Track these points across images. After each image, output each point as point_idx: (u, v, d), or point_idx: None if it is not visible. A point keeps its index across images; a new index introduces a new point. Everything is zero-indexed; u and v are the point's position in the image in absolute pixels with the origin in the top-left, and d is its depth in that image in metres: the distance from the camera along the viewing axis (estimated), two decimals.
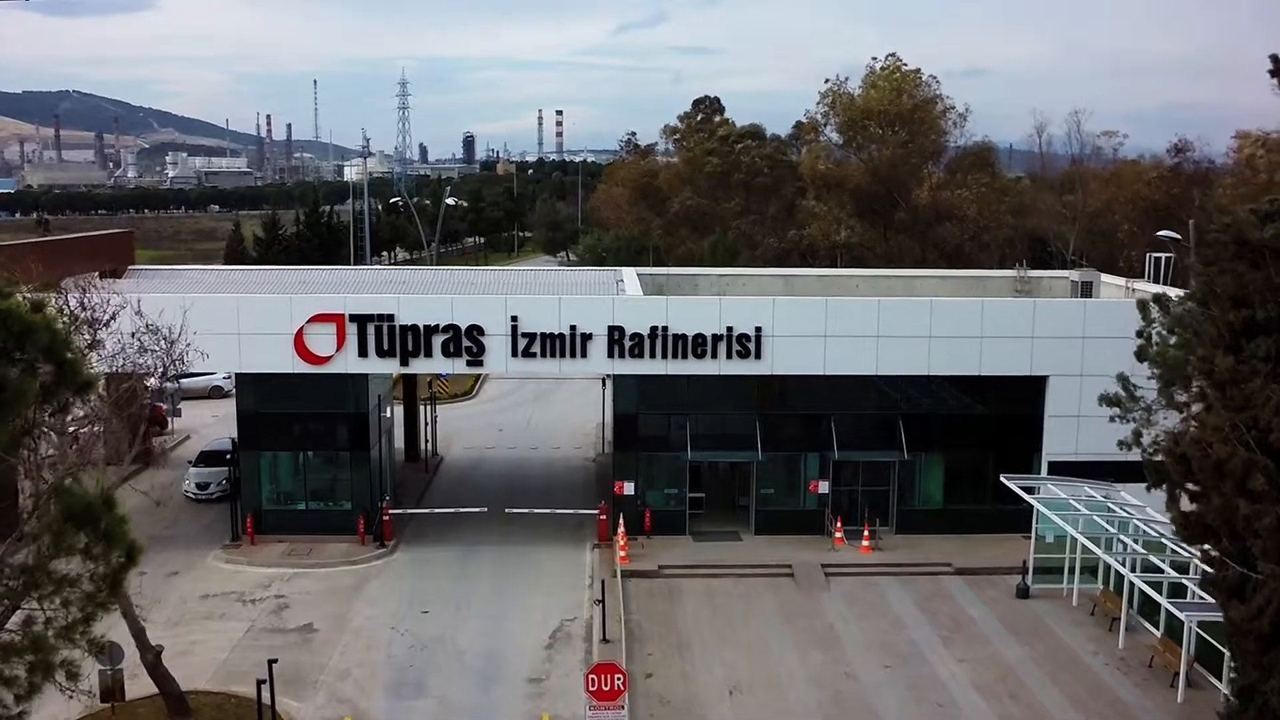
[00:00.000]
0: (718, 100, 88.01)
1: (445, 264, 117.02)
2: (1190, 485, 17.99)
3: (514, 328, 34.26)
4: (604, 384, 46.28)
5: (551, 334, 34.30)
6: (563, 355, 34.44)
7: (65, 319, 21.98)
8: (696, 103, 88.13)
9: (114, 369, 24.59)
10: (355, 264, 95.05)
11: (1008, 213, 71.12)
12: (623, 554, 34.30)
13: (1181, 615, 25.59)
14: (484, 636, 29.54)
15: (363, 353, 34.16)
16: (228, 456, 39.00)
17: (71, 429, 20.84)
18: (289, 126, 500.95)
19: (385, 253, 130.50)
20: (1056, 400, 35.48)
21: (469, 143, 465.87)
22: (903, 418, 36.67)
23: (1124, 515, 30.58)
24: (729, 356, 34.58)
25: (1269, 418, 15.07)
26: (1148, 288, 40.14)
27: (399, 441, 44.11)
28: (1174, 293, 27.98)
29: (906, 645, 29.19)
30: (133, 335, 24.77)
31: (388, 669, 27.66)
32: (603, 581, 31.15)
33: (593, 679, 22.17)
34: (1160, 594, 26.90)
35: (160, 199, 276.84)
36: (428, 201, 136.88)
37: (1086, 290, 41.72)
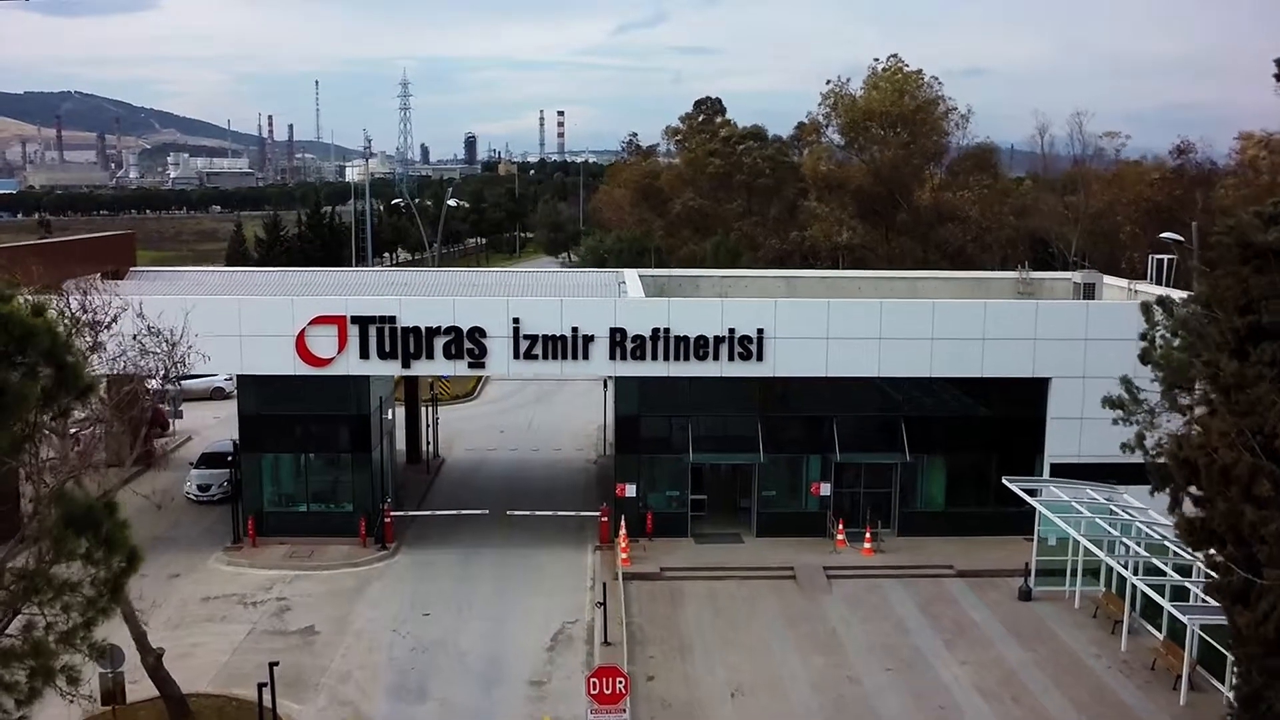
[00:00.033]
0: (719, 101, 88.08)
1: (447, 265, 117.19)
2: (1194, 490, 17.93)
3: (516, 330, 34.22)
4: (605, 386, 46.23)
5: (553, 336, 34.26)
6: (565, 357, 34.40)
7: (66, 322, 21.98)
8: (698, 104, 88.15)
9: (115, 371, 24.55)
10: (357, 265, 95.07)
11: (1009, 214, 71.08)
12: (624, 556, 34.26)
13: (1184, 618, 25.52)
14: (485, 639, 29.50)
15: (364, 355, 34.13)
16: (229, 458, 39.00)
17: (74, 430, 20.80)
18: (290, 127, 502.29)
19: (387, 254, 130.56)
20: (1059, 402, 35.42)
21: (470, 143, 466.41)
22: (905, 420, 36.62)
23: (1126, 518, 30.53)
24: (731, 358, 34.53)
25: (1275, 423, 15.02)
26: (1150, 289, 40.09)
27: (400, 443, 44.09)
28: (1177, 295, 27.96)
29: (909, 648, 29.14)
30: (134, 337, 24.73)
31: (389, 671, 27.63)
32: (604, 584, 31.12)
33: (594, 682, 22.12)
34: (1163, 597, 26.85)
35: (162, 200, 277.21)
36: (429, 202, 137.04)
37: (1089, 292, 41.65)
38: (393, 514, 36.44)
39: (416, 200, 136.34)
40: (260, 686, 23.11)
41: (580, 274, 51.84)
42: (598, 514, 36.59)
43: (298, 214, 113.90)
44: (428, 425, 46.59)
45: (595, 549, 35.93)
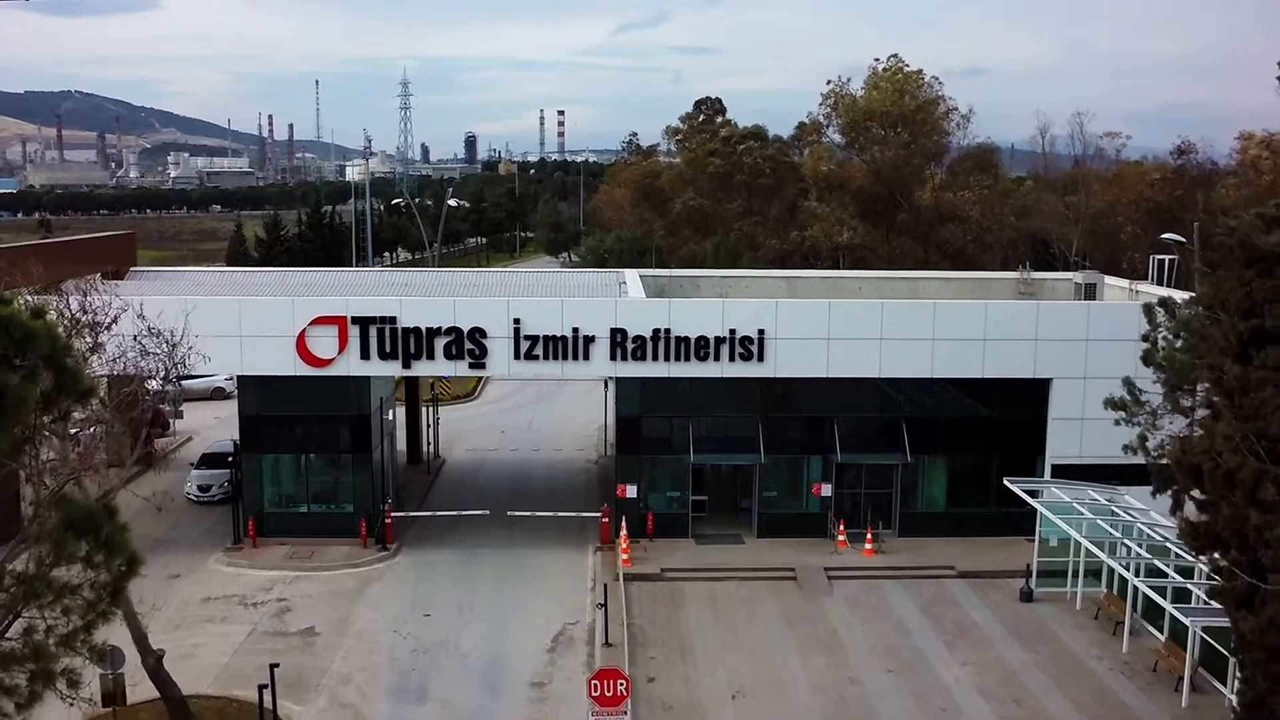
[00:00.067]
0: (719, 101, 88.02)
1: (447, 265, 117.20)
2: (1198, 494, 17.88)
3: (516, 330, 34.18)
4: (606, 386, 46.20)
5: (554, 336, 34.22)
6: (565, 358, 34.36)
7: (66, 323, 21.95)
8: (698, 103, 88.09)
9: (115, 372, 24.52)
10: (357, 265, 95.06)
11: (1010, 214, 71.03)
12: (625, 557, 34.22)
13: (1186, 620, 25.48)
14: (486, 640, 29.47)
15: (365, 355, 34.10)
16: (229, 459, 38.98)
17: (74, 430, 20.75)
18: (290, 126, 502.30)
19: (387, 253, 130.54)
20: (1060, 403, 35.38)
21: (471, 143, 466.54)
22: (906, 420, 36.58)
23: (1128, 519, 30.48)
24: (732, 359, 34.49)
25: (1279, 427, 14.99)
26: (1151, 290, 40.05)
27: (401, 443, 44.06)
28: (1179, 295, 27.90)
29: (910, 649, 29.10)
30: (134, 338, 24.70)
31: (390, 673, 27.59)
32: (605, 585, 31.11)
33: (595, 684, 22.09)
34: (1164, 599, 26.81)
35: (162, 199, 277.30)
36: (429, 202, 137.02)
37: (1090, 292, 41.61)
38: (393, 515, 36.41)
39: (417, 200, 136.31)
40: (261, 688, 23.10)
41: (581, 274, 51.81)
42: (598, 515, 36.55)
43: (298, 213, 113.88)
44: (428, 425, 46.56)
45: (596, 550, 35.89)
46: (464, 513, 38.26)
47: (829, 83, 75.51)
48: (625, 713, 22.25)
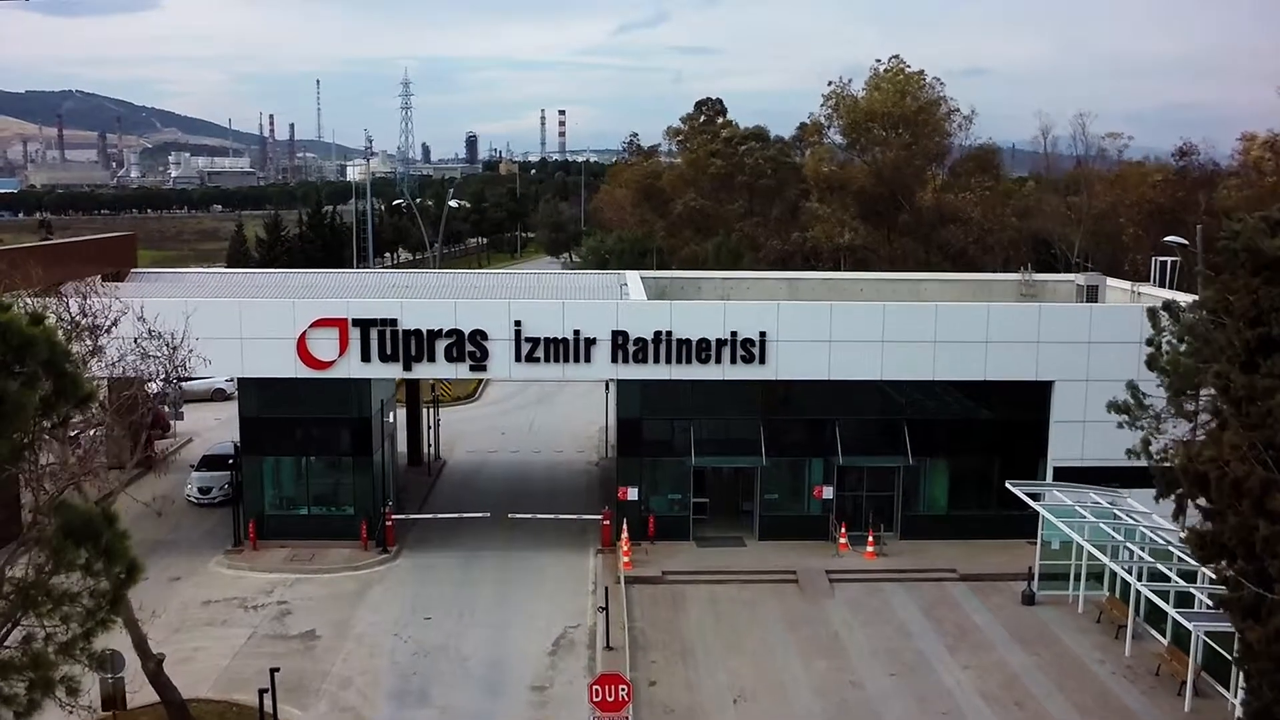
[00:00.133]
0: (720, 102, 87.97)
1: (448, 265, 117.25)
2: (1204, 503, 17.79)
3: (517, 332, 34.13)
4: (607, 387, 46.13)
5: (555, 339, 34.16)
6: (566, 360, 34.30)
7: (66, 326, 21.88)
8: (699, 104, 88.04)
9: (116, 375, 24.46)
10: (358, 265, 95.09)
11: (1012, 215, 70.96)
12: (626, 560, 34.16)
13: (1189, 625, 25.39)
14: (487, 643, 29.40)
15: (365, 358, 34.04)
16: (230, 461, 38.91)
17: (75, 432, 20.69)
18: (291, 126, 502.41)
19: (388, 254, 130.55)
20: (1062, 405, 35.30)
21: (472, 143, 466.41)
22: (907, 423, 36.51)
23: (1130, 522, 30.39)
24: (733, 361, 34.43)
25: None
26: (1154, 292, 40.02)
27: (401, 445, 44.00)
28: (1182, 298, 27.82)
29: (912, 653, 29.04)
30: (135, 341, 24.64)
31: (390, 676, 27.53)
32: (606, 588, 31.06)
33: (597, 689, 22.02)
34: (1167, 603, 26.73)
35: (163, 199, 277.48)
36: (430, 202, 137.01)
37: (1092, 294, 41.51)
38: (394, 517, 36.35)
39: (418, 200, 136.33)
40: (261, 692, 23.05)
41: (582, 276, 51.75)
42: (599, 517, 36.48)
43: (299, 214, 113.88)
44: (429, 427, 46.49)
45: (597, 552, 35.83)
46: (465, 515, 38.20)
47: (830, 84, 75.65)
48: (627, 718, 22.19)
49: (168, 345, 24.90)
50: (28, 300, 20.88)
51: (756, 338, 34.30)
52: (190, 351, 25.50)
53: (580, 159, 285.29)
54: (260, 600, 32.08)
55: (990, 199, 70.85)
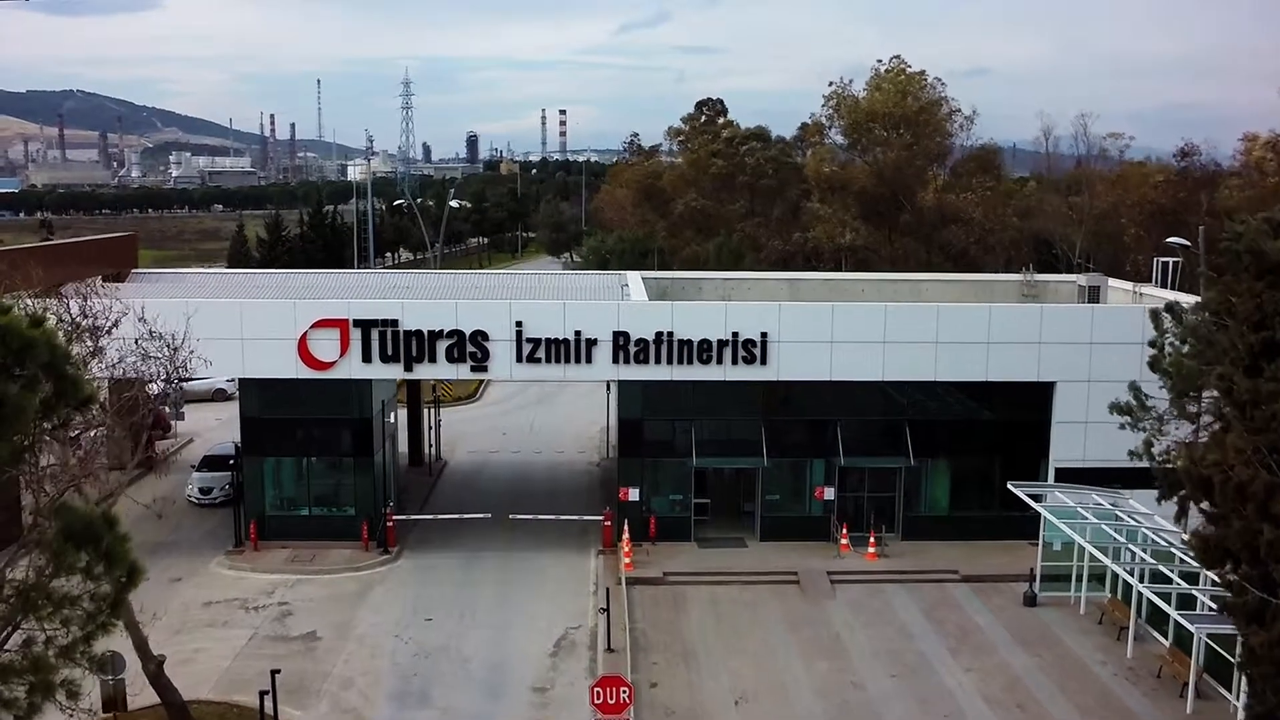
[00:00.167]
0: (721, 102, 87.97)
1: (449, 265, 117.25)
2: (1206, 506, 17.75)
3: (518, 333, 34.09)
4: (608, 387, 46.10)
5: (556, 339, 34.13)
6: (567, 361, 34.27)
7: (66, 328, 21.85)
8: (700, 104, 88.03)
9: (116, 376, 24.42)
10: (359, 265, 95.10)
11: (1013, 215, 70.93)
12: (627, 561, 34.13)
13: (1191, 627, 25.35)
14: (488, 645, 29.38)
15: (366, 358, 34.01)
16: (231, 461, 38.88)
17: (75, 433, 20.66)
18: (292, 126, 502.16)
19: (389, 254, 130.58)
20: (1064, 406, 35.26)
21: (472, 142, 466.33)
22: (909, 423, 36.48)
23: (1132, 524, 30.34)
24: (734, 362, 34.39)
25: None
26: (1156, 293, 39.97)
27: (402, 445, 43.98)
28: (1185, 299, 27.78)
29: (913, 654, 29.00)
30: (135, 342, 24.61)
31: (391, 677, 27.51)
32: (607, 589, 30.99)
33: (598, 692, 22.00)
34: (1169, 605, 26.67)
35: (164, 199, 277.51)
36: (431, 202, 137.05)
37: (1094, 295, 41.44)
38: (395, 518, 36.32)
39: (419, 200, 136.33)
40: (262, 694, 23.02)
41: (583, 276, 51.74)
42: (600, 518, 36.44)
43: (300, 213, 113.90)
44: (430, 427, 46.46)
45: (598, 553, 35.79)
46: (466, 516, 38.18)
47: (831, 84, 75.68)
48: None
49: (168, 346, 24.87)
50: (28, 301, 20.86)
51: (758, 338, 34.27)
52: (191, 352, 25.47)
53: (581, 159, 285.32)
54: (261, 601, 32.06)
55: (991, 199, 70.81)
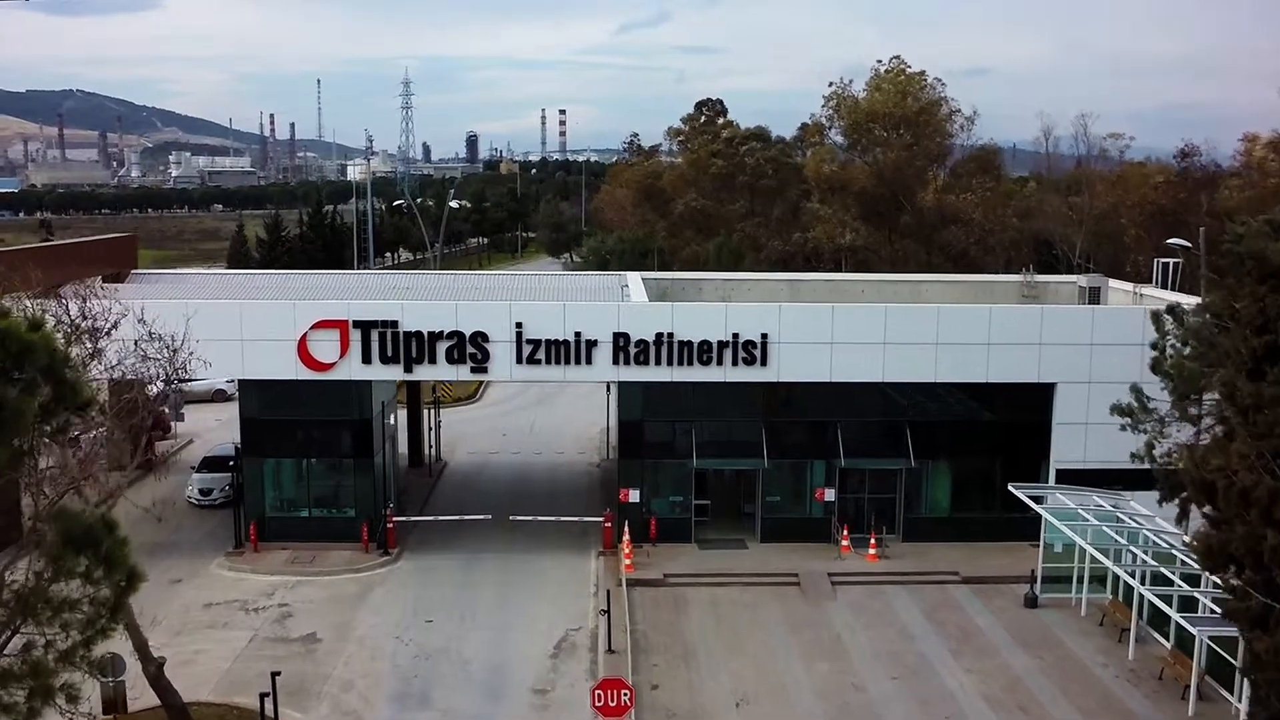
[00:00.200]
0: (721, 102, 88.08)
1: (449, 265, 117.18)
2: (1209, 511, 17.70)
3: (518, 334, 34.06)
4: (608, 388, 46.07)
5: (556, 340, 34.09)
6: (567, 362, 34.23)
7: (65, 330, 21.81)
8: (700, 104, 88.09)
9: (116, 378, 24.39)
10: (359, 265, 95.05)
11: (1013, 216, 70.90)
12: (628, 562, 34.09)
13: (1193, 629, 25.31)
14: (488, 646, 29.34)
15: (366, 359, 33.98)
16: (231, 463, 38.84)
17: (75, 433, 20.62)
18: (292, 126, 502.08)
19: (389, 254, 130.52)
20: (1065, 408, 35.23)
21: (472, 142, 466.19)
22: (909, 425, 36.44)
23: (1133, 526, 30.31)
24: (735, 363, 34.35)
25: None
26: (1156, 293, 39.95)
27: (402, 446, 43.94)
28: (1186, 301, 27.77)
29: (914, 656, 28.97)
30: (135, 343, 24.58)
31: (392, 679, 27.47)
32: (608, 590, 30.94)
33: (599, 694, 21.97)
34: (1170, 607, 26.63)
35: (164, 198, 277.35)
36: (431, 202, 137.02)
37: (1094, 296, 41.42)
38: (395, 519, 36.27)
39: (419, 200, 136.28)
40: (263, 696, 22.99)
41: (583, 277, 51.71)
42: (601, 519, 36.40)
43: (299, 213, 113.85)
44: (430, 428, 46.42)
45: (598, 554, 35.75)
46: (466, 517, 38.14)
47: (831, 84, 75.72)
48: None
49: (168, 348, 24.84)
50: (27, 304, 20.81)
51: (758, 339, 34.23)
52: (191, 354, 25.44)
53: (581, 159, 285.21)
54: (261, 603, 32.02)
55: (992, 200, 70.79)
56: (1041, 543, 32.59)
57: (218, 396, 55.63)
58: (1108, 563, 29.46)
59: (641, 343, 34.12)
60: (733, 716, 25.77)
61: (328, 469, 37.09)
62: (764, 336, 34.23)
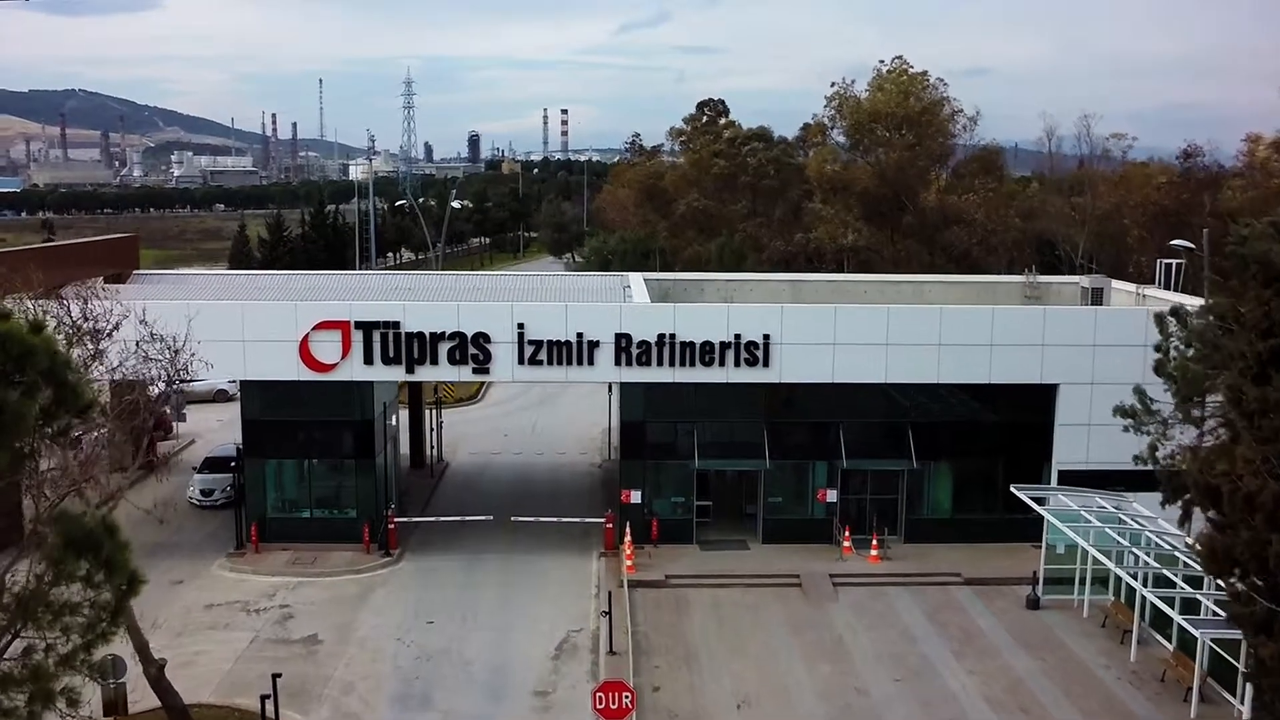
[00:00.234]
0: (722, 102, 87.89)
1: (451, 265, 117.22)
2: (1213, 515, 17.64)
3: (520, 335, 34.03)
4: (610, 389, 46.00)
5: (558, 341, 34.07)
6: (569, 363, 34.20)
7: (67, 330, 21.79)
8: (701, 104, 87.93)
9: (117, 379, 24.37)
10: (360, 265, 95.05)
11: (1015, 216, 70.84)
12: (629, 563, 34.06)
13: (1195, 631, 25.27)
14: (490, 648, 29.31)
15: (368, 360, 33.96)
16: (232, 463, 38.80)
17: (76, 434, 20.59)
18: (294, 125, 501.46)
19: (391, 254, 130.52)
20: (1067, 409, 35.19)
21: (474, 142, 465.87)
22: (911, 426, 36.39)
23: (1135, 527, 30.27)
24: (737, 364, 34.32)
25: None
26: (1159, 294, 39.89)
27: (404, 447, 43.91)
28: (1189, 302, 27.71)
29: (916, 657, 28.93)
30: (136, 344, 24.55)
31: (393, 681, 27.44)
32: (609, 592, 30.92)
33: (600, 697, 21.93)
34: (1173, 608, 26.58)
35: (166, 198, 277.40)
36: (433, 202, 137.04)
37: (1097, 297, 41.37)
38: (396, 520, 36.25)
39: (420, 200, 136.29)
40: (264, 698, 22.96)
41: (585, 278, 51.69)
42: (602, 520, 36.36)
43: (301, 213, 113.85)
44: (431, 429, 46.40)
45: (600, 555, 35.72)
46: (467, 518, 38.13)
47: (833, 84, 75.57)
48: None
49: (169, 349, 24.81)
50: (28, 305, 20.80)
51: (760, 340, 34.19)
52: (192, 355, 25.42)
53: (583, 158, 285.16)
54: (262, 604, 32.00)
55: (994, 200, 70.72)
56: (1044, 544, 32.55)
57: (219, 397, 55.64)
58: (1110, 564, 29.41)
59: (643, 343, 34.08)
60: (734, 718, 25.74)
61: (329, 470, 37.08)
62: (766, 337, 34.20)
